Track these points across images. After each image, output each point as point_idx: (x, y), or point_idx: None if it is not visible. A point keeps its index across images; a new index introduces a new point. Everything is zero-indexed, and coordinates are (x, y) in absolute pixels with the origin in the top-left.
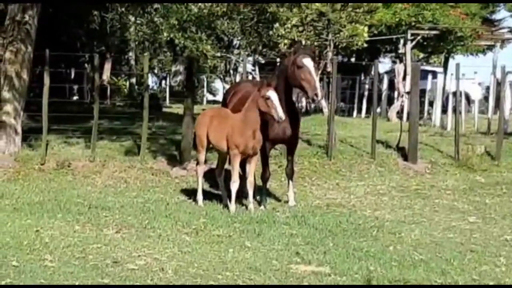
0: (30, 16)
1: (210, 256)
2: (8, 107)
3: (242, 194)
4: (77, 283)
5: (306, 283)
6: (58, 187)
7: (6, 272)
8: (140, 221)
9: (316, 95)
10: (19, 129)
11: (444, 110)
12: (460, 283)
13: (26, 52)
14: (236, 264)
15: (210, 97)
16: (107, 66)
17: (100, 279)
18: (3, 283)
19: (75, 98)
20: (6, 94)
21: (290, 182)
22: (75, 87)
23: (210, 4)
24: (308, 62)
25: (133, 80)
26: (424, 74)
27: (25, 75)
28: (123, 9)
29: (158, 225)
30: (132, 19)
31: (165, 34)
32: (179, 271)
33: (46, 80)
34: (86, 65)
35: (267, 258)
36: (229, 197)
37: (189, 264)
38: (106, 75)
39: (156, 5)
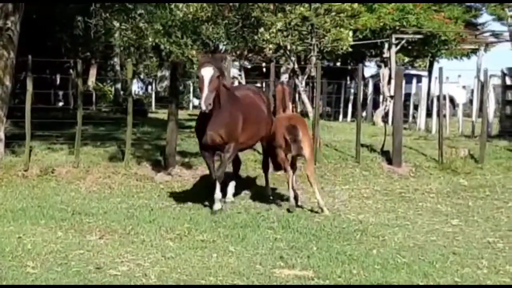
0: (12, 22)
1: (193, 261)
2: None
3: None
4: None
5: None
6: (41, 194)
7: None
8: (124, 227)
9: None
10: (2, 136)
11: (429, 114)
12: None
13: (8, 58)
14: (219, 269)
15: (197, 102)
16: (92, 72)
17: (82, 285)
18: None
19: (60, 104)
20: None
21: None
22: (60, 93)
23: (194, 9)
24: (203, 72)
25: (119, 85)
26: (409, 78)
27: (7, 82)
28: (107, 14)
29: (141, 230)
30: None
31: (150, 39)
32: (162, 277)
33: (29, 86)
34: (71, 71)
35: (251, 263)
36: None
37: (173, 269)
38: (92, 80)
39: (140, 10)
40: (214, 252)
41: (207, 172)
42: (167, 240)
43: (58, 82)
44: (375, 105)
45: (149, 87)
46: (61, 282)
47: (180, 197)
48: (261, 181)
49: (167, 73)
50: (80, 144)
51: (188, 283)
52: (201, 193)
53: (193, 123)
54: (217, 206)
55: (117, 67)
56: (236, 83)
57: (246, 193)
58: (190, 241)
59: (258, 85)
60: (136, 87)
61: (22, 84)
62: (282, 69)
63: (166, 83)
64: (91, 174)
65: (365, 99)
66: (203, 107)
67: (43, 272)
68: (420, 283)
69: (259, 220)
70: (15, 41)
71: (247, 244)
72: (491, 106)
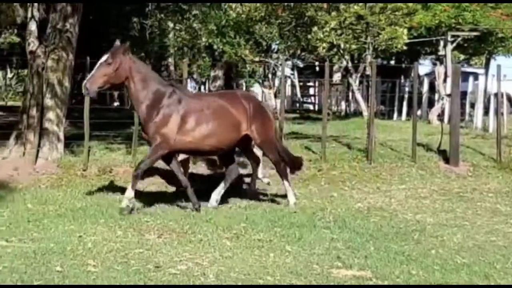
0: (71, 24)
1: (251, 261)
2: (51, 115)
3: None
4: None
5: None
6: (100, 193)
7: (50, 277)
8: (181, 226)
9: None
10: (62, 136)
11: (486, 112)
12: None
13: (67, 60)
14: (277, 268)
15: None
16: None
17: (142, 284)
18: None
19: (115, 104)
20: (49, 102)
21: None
22: (116, 93)
23: (248, 9)
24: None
25: None
26: (465, 76)
27: (66, 83)
28: (162, 15)
29: (199, 230)
30: (171, 25)
31: (203, 39)
32: (220, 276)
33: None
34: None
35: (308, 263)
36: None
37: (230, 268)
38: None
39: (194, 11)
40: (271, 252)
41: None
42: (224, 240)
43: None
44: (430, 104)
45: (202, 87)
46: (121, 281)
47: (233, 196)
48: (316, 181)
49: (220, 72)
50: (137, 144)
51: (246, 283)
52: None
53: None
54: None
55: (171, 67)
56: (288, 82)
57: (299, 193)
58: (247, 241)
59: (254, 90)
60: (189, 86)
61: (79, 85)
62: (335, 68)
63: (219, 82)
64: (148, 174)
65: (420, 97)
66: (83, 90)
67: (104, 271)
68: (481, 284)
69: (315, 220)
70: (73, 43)
71: (303, 244)
72: None
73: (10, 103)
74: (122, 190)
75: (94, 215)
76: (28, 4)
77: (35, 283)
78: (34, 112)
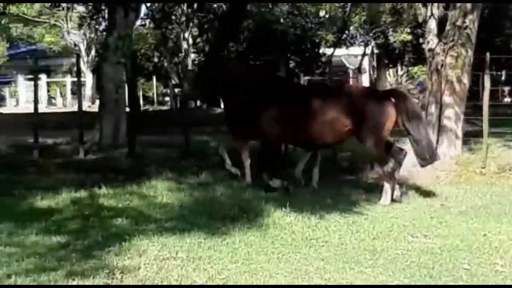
0: (470, 21)
1: None
2: (449, 112)
3: None
4: None
5: None
6: (501, 191)
7: (458, 275)
8: None
9: None
10: (460, 133)
11: None
12: None
13: (466, 57)
14: None
15: None
16: None
17: None
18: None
19: (506, 100)
20: (447, 99)
21: None
22: (506, 89)
23: None
24: None
25: None
26: None
27: (465, 80)
28: None
29: None
30: None
31: None
32: None
33: (487, 83)
34: None
35: None
36: None
37: None
38: None
39: None
40: None
41: None
42: None
43: (503, 78)
44: None
45: None
46: None
47: None
48: None
49: None
50: None
51: None
52: None
53: None
54: None
55: None
56: None
57: None
58: None
59: None
60: None
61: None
62: None
63: None
64: None
65: None
66: None
67: None
68: None
69: None
70: (472, 39)
71: None
72: None
73: None
74: None
75: (496, 213)
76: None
77: (443, 279)
78: (432, 109)
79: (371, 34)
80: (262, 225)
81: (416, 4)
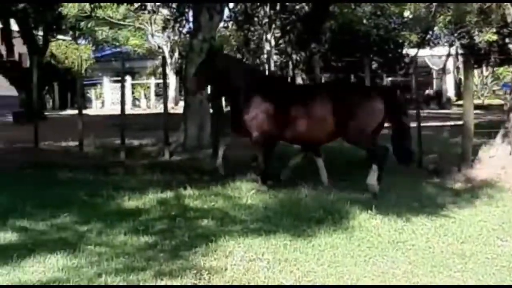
0: None
1: None
2: None
3: None
4: None
5: None
6: None
7: None
8: None
9: None
10: None
11: None
12: None
13: None
14: None
15: None
16: None
17: None
18: None
19: None
20: None
21: None
22: None
23: None
24: None
25: None
26: None
27: None
28: None
29: None
30: None
31: None
32: None
33: None
34: None
35: None
36: None
37: None
38: None
39: None
40: None
41: None
42: None
43: None
44: None
45: None
46: None
47: None
48: None
49: None
50: None
51: None
52: None
53: None
54: None
55: None
56: None
57: None
58: None
59: None
60: None
61: None
62: None
63: None
64: None
65: None
66: None
67: None
68: None
69: None
70: None
71: None
72: None
73: (486, 101)
74: None
75: None
76: None
77: None
78: None
79: (455, 34)
80: (347, 227)
81: (505, 4)
